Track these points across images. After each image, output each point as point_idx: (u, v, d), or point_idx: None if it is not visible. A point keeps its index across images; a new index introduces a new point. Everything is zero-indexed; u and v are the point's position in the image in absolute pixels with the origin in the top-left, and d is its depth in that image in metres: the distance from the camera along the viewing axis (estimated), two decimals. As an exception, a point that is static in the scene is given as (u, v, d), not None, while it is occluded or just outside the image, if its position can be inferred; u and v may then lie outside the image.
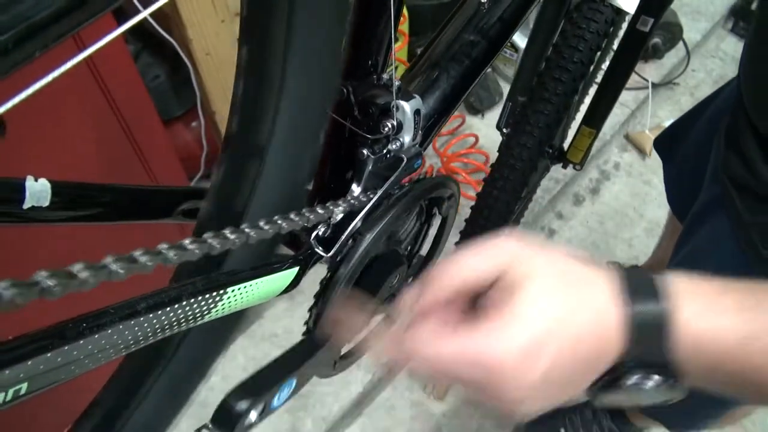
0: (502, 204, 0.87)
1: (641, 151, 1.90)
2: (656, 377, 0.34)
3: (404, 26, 1.56)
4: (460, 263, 0.35)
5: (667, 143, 1.00)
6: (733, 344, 0.32)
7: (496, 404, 0.34)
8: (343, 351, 0.62)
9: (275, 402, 0.37)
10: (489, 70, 1.94)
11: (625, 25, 0.82)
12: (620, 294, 0.33)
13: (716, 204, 0.68)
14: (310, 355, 0.38)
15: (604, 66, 0.90)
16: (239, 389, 0.35)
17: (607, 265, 0.36)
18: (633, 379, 0.34)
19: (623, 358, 0.34)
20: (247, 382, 0.36)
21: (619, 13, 0.77)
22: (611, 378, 0.35)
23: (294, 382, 0.38)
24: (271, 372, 0.37)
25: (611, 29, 0.76)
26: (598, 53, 0.77)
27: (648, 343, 0.33)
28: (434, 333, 0.34)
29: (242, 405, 0.34)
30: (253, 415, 0.35)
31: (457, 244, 1.05)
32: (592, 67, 0.79)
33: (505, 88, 1.87)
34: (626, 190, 1.82)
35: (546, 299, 0.33)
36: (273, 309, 1.40)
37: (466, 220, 1.00)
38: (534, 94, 0.78)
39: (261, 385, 0.36)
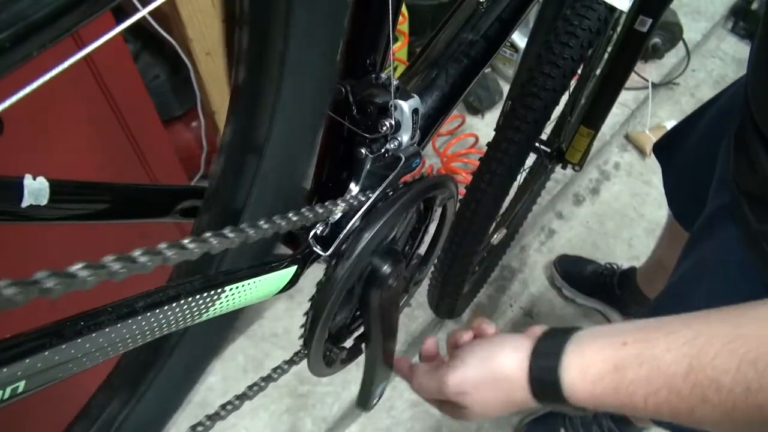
0: (488, 198, 0.87)
1: (641, 151, 1.90)
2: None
3: (404, 26, 1.56)
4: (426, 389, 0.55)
5: (666, 149, 1.00)
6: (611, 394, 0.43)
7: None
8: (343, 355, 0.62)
9: None
10: (489, 70, 1.93)
11: (622, 24, 0.82)
12: (526, 359, 0.46)
13: (724, 213, 0.67)
14: None
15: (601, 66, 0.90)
16: None
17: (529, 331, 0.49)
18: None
19: (540, 401, 0.46)
20: None
21: (614, 11, 0.76)
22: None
23: None
24: None
25: (605, 27, 0.76)
26: (590, 50, 0.76)
27: (550, 393, 0.45)
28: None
29: None
30: None
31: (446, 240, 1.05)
32: (583, 65, 0.78)
33: (505, 88, 1.87)
34: (626, 190, 1.82)
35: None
36: (273, 309, 1.40)
37: (455, 214, 1.00)
38: (523, 89, 0.77)
39: None
